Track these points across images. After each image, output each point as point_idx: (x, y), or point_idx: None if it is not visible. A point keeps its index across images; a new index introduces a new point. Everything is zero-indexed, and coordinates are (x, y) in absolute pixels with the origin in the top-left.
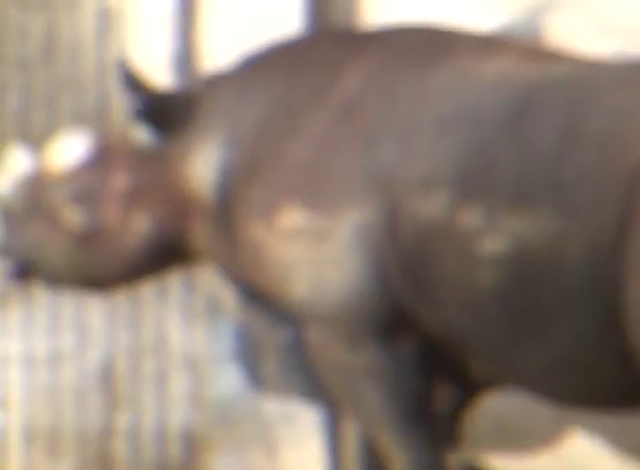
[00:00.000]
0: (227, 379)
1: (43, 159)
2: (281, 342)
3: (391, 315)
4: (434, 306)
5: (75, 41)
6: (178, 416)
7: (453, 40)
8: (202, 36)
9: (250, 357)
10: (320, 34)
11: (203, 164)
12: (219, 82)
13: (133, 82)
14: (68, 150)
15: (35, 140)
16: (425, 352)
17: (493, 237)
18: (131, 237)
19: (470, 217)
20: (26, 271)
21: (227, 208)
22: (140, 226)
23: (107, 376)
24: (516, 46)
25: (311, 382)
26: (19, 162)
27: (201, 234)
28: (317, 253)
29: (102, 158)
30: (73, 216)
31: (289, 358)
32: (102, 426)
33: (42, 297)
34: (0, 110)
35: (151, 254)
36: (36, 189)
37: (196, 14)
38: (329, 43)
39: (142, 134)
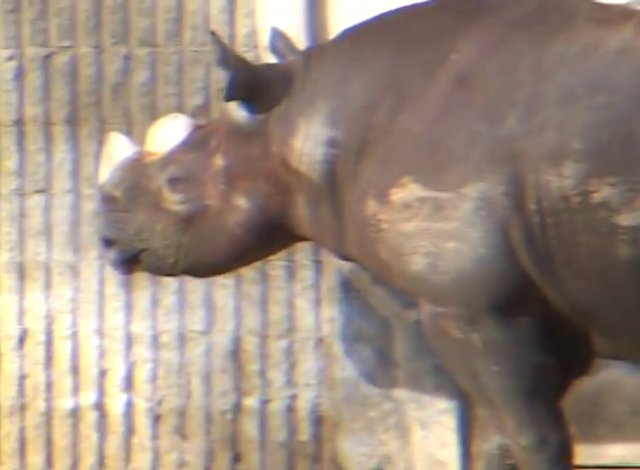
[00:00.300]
0: (357, 359)
1: (143, 145)
2: (411, 322)
3: (513, 290)
4: (562, 278)
5: (203, 16)
6: (307, 397)
7: (572, 10)
8: (330, 7)
9: (379, 338)
10: (430, 4)
11: (306, 140)
12: (322, 56)
13: (227, 58)
14: (167, 134)
15: (161, 115)
16: (545, 328)
17: (633, 212)
18: (233, 215)
19: (608, 191)
20: (134, 259)
21: (333, 184)
22: (241, 204)
23: (235, 356)
24: (631, 16)
25: None
26: (119, 149)
27: (303, 211)
28: (437, 225)
29: (200, 140)
30: (176, 199)
31: (419, 339)
32: (230, 406)
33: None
34: (128, 84)
35: (254, 231)
36: (138, 176)
37: None
38: (439, 13)
39: (239, 112)
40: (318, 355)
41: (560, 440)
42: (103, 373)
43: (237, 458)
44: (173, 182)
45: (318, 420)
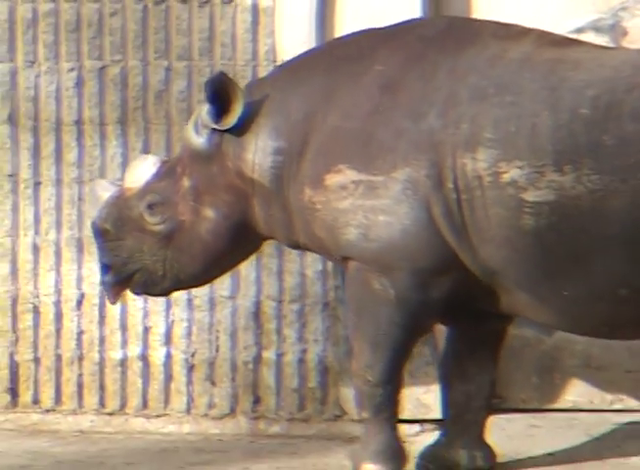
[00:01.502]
0: None
1: (123, 183)
2: None
3: (433, 256)
4: (475, 244)
5: (231, 35)
6: (315, 350)
7: (478, 28)
8: (337, 30)
9: None
10: (353, 34)
11: (256, 153)
12: (262, 85)
13: (214, 94)
14: (140, 172)
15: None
16: (447, 293)
17: (537, 189)
18: (204, 225)
19: (515, 172)
20: (130, 279)
21: (280, 186)
22: (209, 215)
23: (256, 317)
24: (529, 32)
25: None
26: (103, 191)
27: (258, 212)
28: (370, 202)
29: (168, 170)
30: (155, 221)
31: None
32: (251, 358)
33: None
34: (168, 91)
35: (223, 236)
36: (122, 209)
37: (332, 11)
38: (362, 39)
39: (198, 140)
40: (324, 317)
41: (397, 382)
42: (147, 330)
43: (257, 401)
44: (151, 208)
45: (324, 370)
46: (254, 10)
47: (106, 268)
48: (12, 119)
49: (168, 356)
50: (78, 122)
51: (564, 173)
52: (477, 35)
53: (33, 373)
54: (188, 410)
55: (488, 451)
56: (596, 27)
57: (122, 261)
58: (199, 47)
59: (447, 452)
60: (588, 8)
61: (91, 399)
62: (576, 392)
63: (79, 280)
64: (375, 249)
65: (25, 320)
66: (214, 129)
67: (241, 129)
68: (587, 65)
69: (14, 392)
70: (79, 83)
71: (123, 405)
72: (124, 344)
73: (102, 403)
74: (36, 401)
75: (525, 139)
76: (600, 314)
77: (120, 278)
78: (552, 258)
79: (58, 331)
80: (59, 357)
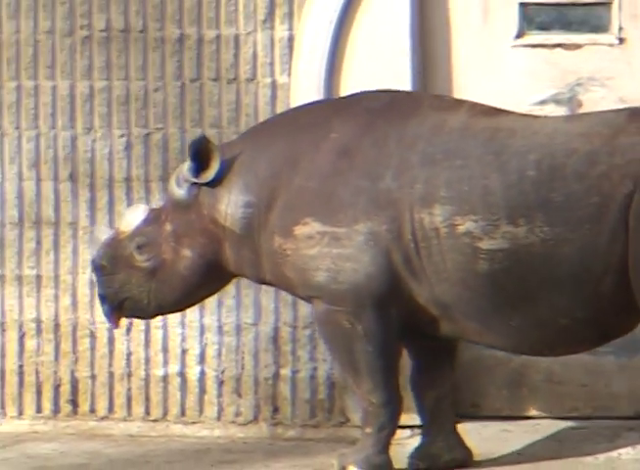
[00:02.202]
0: None
1: (118, 228)
2: None
3: (391, 295)
4: (432, 284)
5: (254, 107)
6: (324, 369)
7: (417, 101)
8: (343, 83)
9: None
10: (309, 104)
11: (228, 205)
12: (232, 148)
13: (196, 153)
14: (132, 218)
15: None
16: (402, 320)
17: (492, 239)
18: (182, 264)
19: (470, 224)
20: (120, 307)
21: (250, 232)
22: (187, 255)
23: (275, 340)
24: (461, 103)
25: None
26: (102, 234)
27: (229, 253)
28: (337, 251)
29: (154, 216)
30: (142, 259)
31: None
32: (271, 375)
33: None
34: None
35: (198, 272)
36: (116, 248)
37: (337, 85)
38: (317, 109)
39: (179, 192)
40: None
41: (397, 400)
42: (184, 351)
43: (276, 410)
44: (139, 248)
45: (331, 385)
46: (273, 86)
47: (103, 298)
48: (72, 177)
49: (202, 373)
50: (127, 180)
51: (517, 225)
52: (417, 107)
53: (90, 387)
54: (218, 418)
55: (463, 443)
56: (556, 100)
57: (114, 292)
58: (227, 117)
59: (430, 449)
60: (549, 84)
61: (138, 408)
62: (540, 402)
63: None
64: (343, 290)
65: (84, 343)
66: (194, 183)
67: (215, 184)
68: (522, 132)
69: (74, 403)
70: (128, 147)
71: (165, 414)
72: (165, 363)
73: (147, 412)
74: (93, 411)
75: (479, 197)
76: (541, 339)
77: (113, 306)
78: (502, 294)
79: (110, 352)
80: (111, 374)
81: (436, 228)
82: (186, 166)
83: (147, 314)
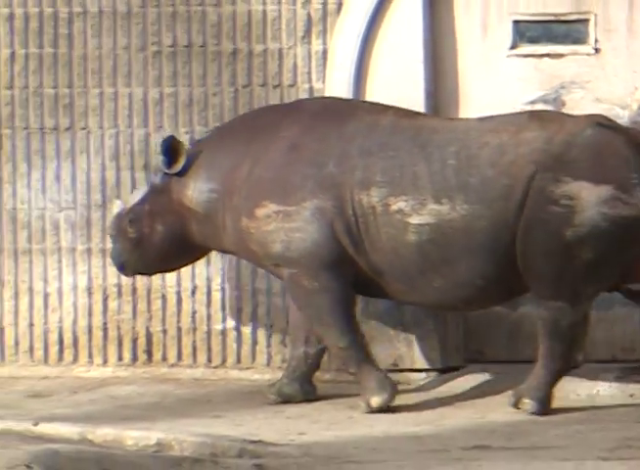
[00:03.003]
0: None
1: (125, 205)
2: None
3: (336, 259)
4: (368, 252)
5: None
6: None
7: (351, 105)
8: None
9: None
10: (261, 109)
11: (194, 191)
12: (199, 146)
13: (167, 149)
14: (133, 197)
15: None
16: (352, 279)
17: (420, 216)
18: (157, 237)
19: (401, 203)
20: (125, 268)
21: (213, 213)
22: (160, 230)
23: None
24: (389, 108)
25: None
26: (117, 208)
27: (194, 229)
28: (288, 225)
29: (142, 198)
30: (131, 231)
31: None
32: None
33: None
34: None
35: (173, 245)
36: (119, 222)
37: (363, 89)
38: (269, 112)
39: (156, 178)
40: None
41: (360, 342)
42: (239, 310)
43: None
44: (130, 222)
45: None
46: (310, 91)
47: (112, 260)
48: (146, 167)
49: (254, 328)
50: None
51: (441, 204)
52: (353, 110)
53: (162, 340)
54: (268, 364)
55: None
56: (544, 100)
57: (117, 256)
58: None
59: (287, 387)
60: (537, 87)
61: (202, 357)
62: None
63: (193, 276)
64: (296, 256)
65: (156, 304)
66: (166, 173)
67: (183, 174)
68: (442, 130)
69: (149, 352)
70: (192, 142)
71: (224, 361)
72: (224, 319)
73: (209, 360)
74: (164, 359)
75: (409, 181)
76: (459, 297)
77: (118, 266)
78: (427, 261)
79: (179, 311)
80: (179, 329)
81: (373, 207)
82: (160, 160)
83: (133, 274)
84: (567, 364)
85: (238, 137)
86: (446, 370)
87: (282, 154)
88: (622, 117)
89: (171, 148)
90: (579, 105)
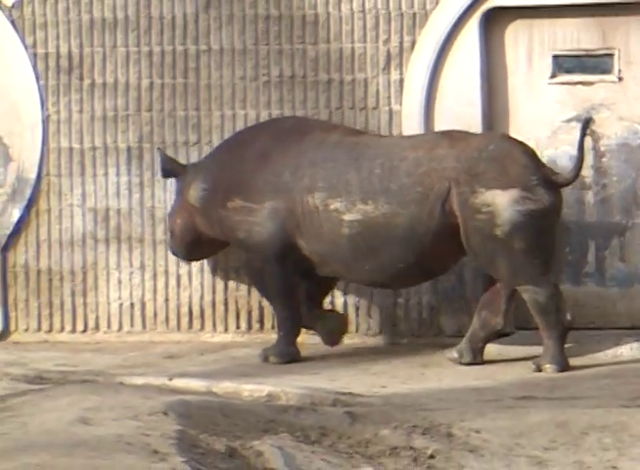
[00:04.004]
0: None
1: None
2: None
3: (286, 247)
4: (312, 243)
5: (377, 127)
6: (426, 298)
7: (310, 124)
8: (437, 123)
9: None
10: (249, 127)
11: (194, 190)
12: (206, 158)
13: (165, 162)
14: None
15: None
16: (297, 263)
17: (351, 213)
18: (178, 228)
19: (337, 204)
20: (175, 255)
21: (207, 208)
22: (179, 222)
23: None
24: (338, 127)
25: None
26: None
27: (198, 220)
28: (250, 219)
29: (174, 200)
30: (169, 226)
31: None
32: (391, 303)
33: None
34: None
35: (188, 234)
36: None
37: (432, 111)
38: (252, 129)
39: (178, 184)
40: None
41: (296, 315)
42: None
43: (394, 326)
44: (168, 218)
45: (432, 308)
46: (390, 112)
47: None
48: None
49: (345, 302)
50: None
51: (367, 204)
52: (310, 129)
53: (271, 312)
54: (357, 331)
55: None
56: (577, 119)
57: (169, 246)
58: None
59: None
60: (572, 108)
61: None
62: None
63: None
64: (254, 244)
65: None
66: (178, 180)
67: (189, 180)
68: (373, 145)
69: (261, 322)
70: None
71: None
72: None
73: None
74: (273, 327)
75: (343, 187)
76: (386, 277)
77: (172, 253)
78: (358, 249)
79: None
80: None
81: (316, 206)
82: (159, 172)
83: (185, 259)
84: (562, 328)
85: (226, 148)
86: (500, 336)
87: (253, 161)
88: None
89: (165, 162)
90: (605, 123)
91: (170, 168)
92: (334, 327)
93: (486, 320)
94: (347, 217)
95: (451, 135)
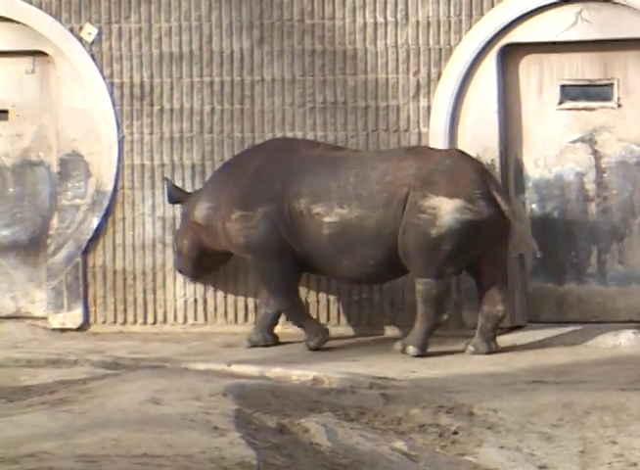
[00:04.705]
0: None
1: None
2: None
3: (279, 246)
4: (299, 241)
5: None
6: (452, 297)
7: (296, 143)
8: (460, 143)
9: None
10: (246, 149)
11: (199, 210)
12: (207, 182)
13: (172, 190)
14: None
15: None
16: (292, 261)
17: (330, 216)
18: (185, 247)
19: (319, 208)
20: (181, 273)
21: (211, 224)
22: (186, 241)
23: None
24: (321, 144)
25: None
26: None
27: (204, 236)
28: (248, 225)
29: (180, 222)
30: (175, 247)
31: None
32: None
33: None
34: None
35: (196, 253)
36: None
37: (456, 134)
38: (249, 151)
39: (183, 208)
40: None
41: (296, 305)
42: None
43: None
44: (174, 240)
45: (455, 304)
46: (419, 134)
47: None
48: None
49: (382, 300)
50: None
51: (343, 208)
52: (297, 147)
53: (317, 307)
54: (390, 323)
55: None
56: (581, 140)
57: (175, 265)
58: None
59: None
60: (577, 131)
61: (344, 319)
62: (576, 314)
63: None
64: (251, 245)
65: (313, 282)
66: (183, 205)
67: (193, 203)
68: (350, 158)
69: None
70: None
71: (359, 322)
72: (360, 292)
73: (349, 320)
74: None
75: (323, 194)
76: (360, 273)
77: (178, 272)
78: (336, 248)
79: (328, 287)
80: (328, 299)
81: (302, 210)
82: (166, 197)
83: (192, 277)
84: (437, 322)
85: (226, 169)
86: (514, 328)
87: (249, 176)
88: (637, 152)
89: (170, 188)
90: (606, 143)
91: (176, 196)
92: None
93: (489, 313)
94: (327, 220)
95: (416, 150)
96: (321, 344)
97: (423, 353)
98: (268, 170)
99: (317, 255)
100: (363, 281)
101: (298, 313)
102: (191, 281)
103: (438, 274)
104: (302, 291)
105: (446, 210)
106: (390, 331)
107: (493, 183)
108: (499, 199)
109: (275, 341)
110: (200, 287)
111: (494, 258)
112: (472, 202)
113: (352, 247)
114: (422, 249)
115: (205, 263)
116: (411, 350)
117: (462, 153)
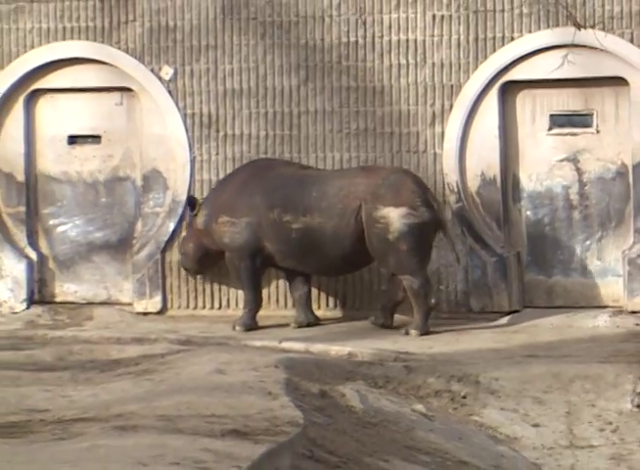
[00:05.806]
0: None
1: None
2: None
3: (256, 248)
4: (274, 244)
5: (425, 165)
6: (460, 287)
7: (276, 162)
8: (468, 161)
9: None
10: (239, 166)
11: (200, 218)
12: (210, 193)
13: (191, 202)
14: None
15: None
16: (261, 262)
17: (297, 223)
18: (190, 249)
19: (288, 217)
20: (186, 272)
21: (208, 228)
22: (190, 245)
23: (434, 275)
24: (294, 164)
25: None
26: None
27: (203, 239)
28: (232, 229)
29: (187, 230)
30: (181, 249)
31: None
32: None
33: None
34: None
35: (200, 254)
36: (179, 244)
37: (464, 153)
38: (241, 168)
39: (189, 218)
40: (462, 279)
41: (259, 300)
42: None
43: (437, 304)
44: (180, 244)
45: (463, 294)
46: (434, 155)
47: None
48: None
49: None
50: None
51: (307, 217)
52: (275, 166)
53: (353, 295)
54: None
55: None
56: (567, 159)
57: (182, 265)
58: (413, 168)
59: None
60: (562, 152)
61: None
62: (564, 300)
63: None
64: (233, 247)
65: (353, 274)
66: (190, 214)
67: (198, 211)
68: (315, 176)
69: (343, 302)
70: None
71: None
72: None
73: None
74: (354, 305)
75: (292, 204)
76: (324, 268)
77: (184, 269)
78: (303, 249)
79: (370, 276)
80: (371, 289)
81: (275, 219)
82: (187, 208)
83: (195, 274)
84: (427, 307)
85: (220, 184)
86: (512, 312)
87: (236, 189)
88: (612, 169)
89: (191, 202)
90: (587, 162)
91: (194, 205)
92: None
93: (391, 296)
94: (294, 226)
95: (368, 169)
96: (242, 332)
97: (422, 334)
98: (251, 185)
99: (288, 254)
100: (326, 273)
101: (253, 305)
102: (193, 277)
103: (411, 270)
104: (352, 285)
105: (395, 217)
106: (411, 315)
107: (430, 193)
108: (435, 206)
109: (317, 320)
110: None
111: None
112: (414, 208)
113: (316, 247)
114: (387, 252)
115: (206, 262)
116: (412, 332)
117: (405, 170)
